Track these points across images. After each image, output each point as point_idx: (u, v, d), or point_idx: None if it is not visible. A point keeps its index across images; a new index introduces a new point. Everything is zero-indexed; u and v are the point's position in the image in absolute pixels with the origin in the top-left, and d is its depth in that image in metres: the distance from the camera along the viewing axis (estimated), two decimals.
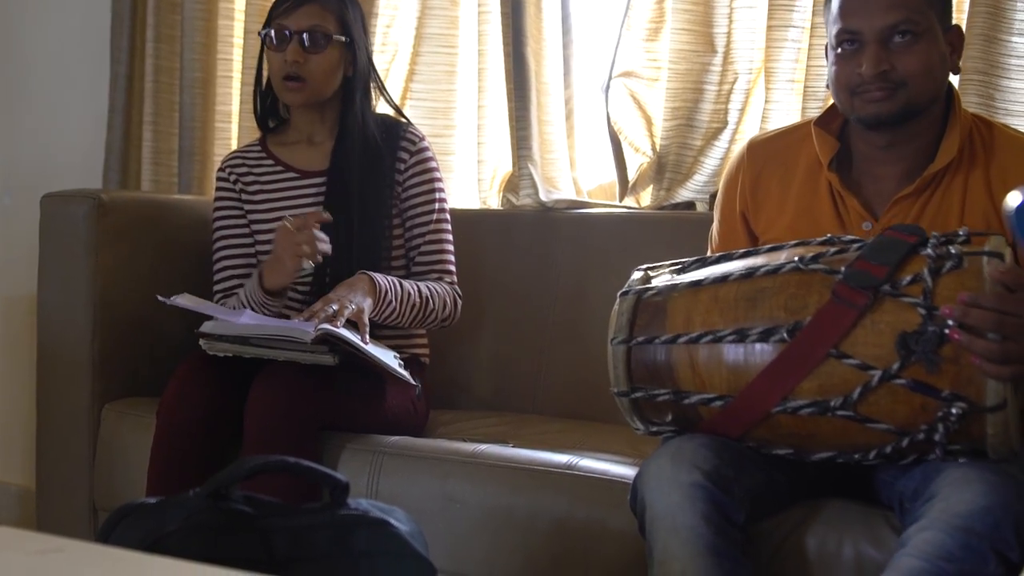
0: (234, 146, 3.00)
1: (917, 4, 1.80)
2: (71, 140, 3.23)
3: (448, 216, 2.46)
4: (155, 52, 3.05)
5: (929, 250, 1.62)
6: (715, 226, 2.08)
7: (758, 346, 1.64)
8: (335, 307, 2.14)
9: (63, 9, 3.24)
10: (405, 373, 2.19)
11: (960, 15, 2.35)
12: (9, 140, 3.28)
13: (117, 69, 3.09)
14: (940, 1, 1.83)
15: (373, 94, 2.49)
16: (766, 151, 2.01)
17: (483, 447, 2.12)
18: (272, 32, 2.39)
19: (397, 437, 2.18)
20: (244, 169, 2.49)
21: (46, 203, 2.55)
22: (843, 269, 1.63)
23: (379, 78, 2.53)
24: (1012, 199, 1.47)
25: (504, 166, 2.83)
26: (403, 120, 2.52)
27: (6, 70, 3.28)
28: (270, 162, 2.49)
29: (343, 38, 2.39)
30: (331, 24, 2.38)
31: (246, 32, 2.99)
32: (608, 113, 2.67)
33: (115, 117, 3.09)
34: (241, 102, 3.00)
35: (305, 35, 2.36)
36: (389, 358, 2.20)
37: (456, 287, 2.43)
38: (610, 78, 2.66)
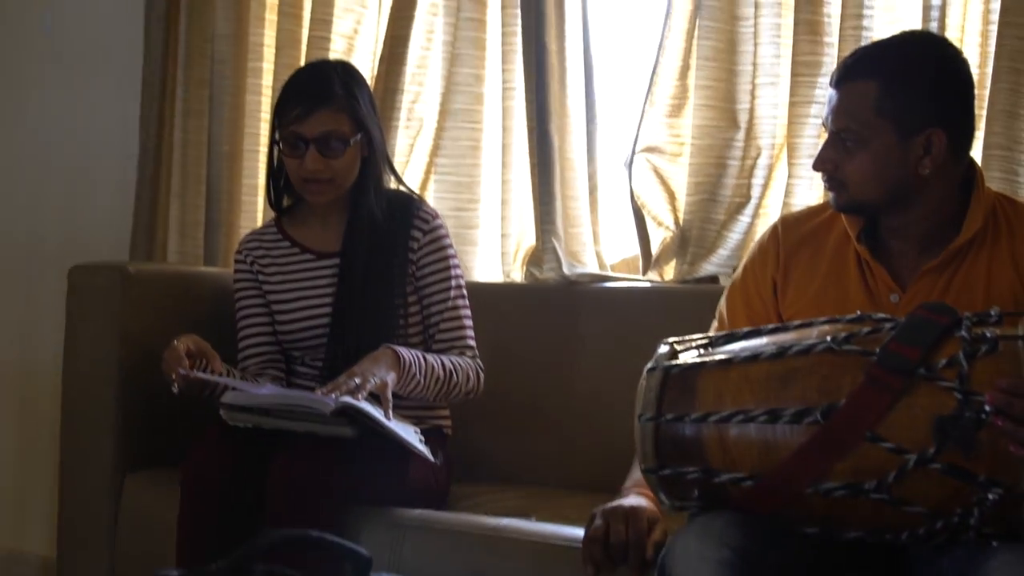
0: (259, 219, 3.02)
1: (863, 116, 1.84)
2: (99, 211, 3.26)
3: (465, 292, 2.47)
4: (183, 125, 3.09)
5: (964, 332, 1.61)
6: (727, 301, 2.06)
7: (791, 427, 1.63)
8: (358, 380, 2.15)
9: (93, 81, 3.29)
10: (424, 449, 2.19)
11: (982, 91, 2.37)
12: (37, 211, 3.32)
13: (146, 142, 3.12)
14: (903, 108, 1.82)
15: (384, 169, 2.50)
16: (798, 227, 2.03)
17: (506, 521, 2.10)
18: (286, 140, 2.37)
19: (419, 511, 2.17)
20: (261, 251, 2.51)
21: (74, 274, 2.58)
22: (877, 351, 1.62)
23: (389, 160, 2.53)
24: None
25: (528, 240, 2.84)
26: (415, 197, 2.53)
27: (36, 141, 3.32)
28: (286, 244, 2.51)
29: (359, 135, 2.39)
30: (346, 126, 2.37)
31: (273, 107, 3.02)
32: (631, 188, 2.69)
33: (143, 188, 3.12)
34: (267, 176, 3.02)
35: (322, 143, 2.35)
36: (409, 434, 2.20)
37: (478, 360, 2.44)
38: (633, 153, 2.68)
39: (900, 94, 1.83)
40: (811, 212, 2.08)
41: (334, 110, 2.36)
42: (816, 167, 1.91)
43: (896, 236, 1.91)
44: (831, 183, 1.90)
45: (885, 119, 1.83)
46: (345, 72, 2.42)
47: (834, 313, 1.77)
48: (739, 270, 2.08)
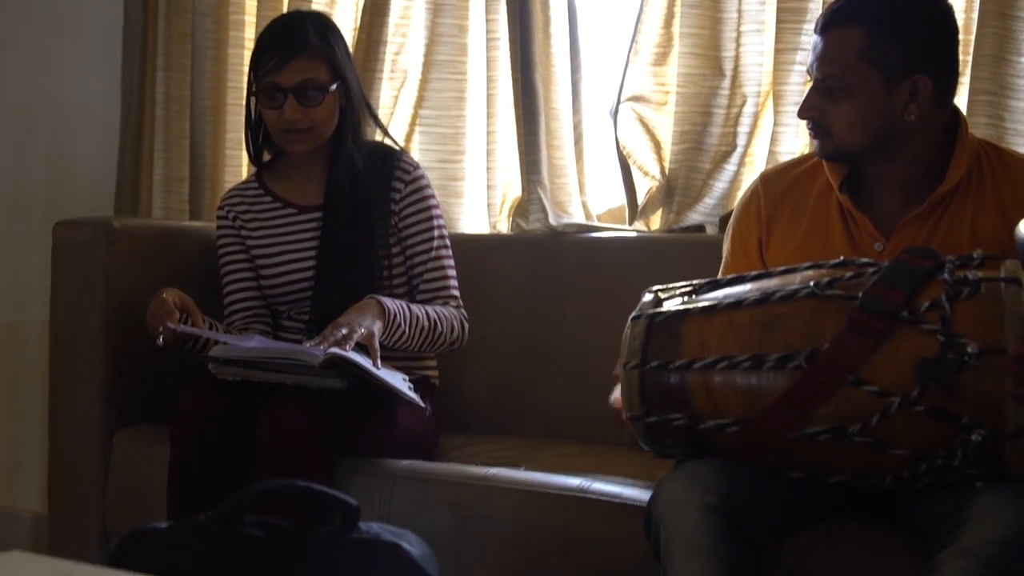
0: (244, 173, 3.01)
1: (847, 62, 1.83)
2: (82, 168, 3.24)
3: (448, 242, 2.47)
4: (166, 81, 3.06)
5: (946, 275, 1.62)
6: (725, 262, 2.07)
7: (775, 373, 1.64)
8: (344, 331, 2.15)
9: (74, 38, 3.26)
10: (414, 396, 2.20)
11: (968, 36, 2.36)
12: (21, 168, 3.30)
13: (128, 98, 3.10)
14: (889, 54, 1.82)
15: (364, 120, 2.49)
16: (779, 182, 2.03)
17: (494, 470, 2.11)
18: (264, 91, 2.36)
19: (408, 461, 2.18)
20: (243, 207, 2.50)
21: (58, 231, 2.56)
22: (860, 295, 1.63)
23: (369, 105, 2.52)
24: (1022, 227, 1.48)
25: (514, 191, 2.83)
26: (396, 148, 2.52)
27: (18, 99, 3.29)
28: (268, 199, 2.50)
29: (337, 83, 2.38)
30: (323, 74, 2.35)
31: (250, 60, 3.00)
32: (617, 137, 2.68)
33: (126, 145, 3.10)
34: None
35: (300, 92, 2.33)
36: (398, 381, 2.20)
37: (463, 310, 2.44)
38: (618, 102, 2.67)
39: (886, 40, 1.82)
40: (792, 163, 2.08)
41: (310, 58, 2.34)
42: (801, 115, 1.91)
43: (880, 184, 1.91)
44: (816, 131, 1.90)
45: (871, 65, 1.82)
46: (319, 21, 2.41)
47: None
48: (727, 239, 2.08)
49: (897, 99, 1.83)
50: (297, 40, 2.34)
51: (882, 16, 1.84)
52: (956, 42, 1.89)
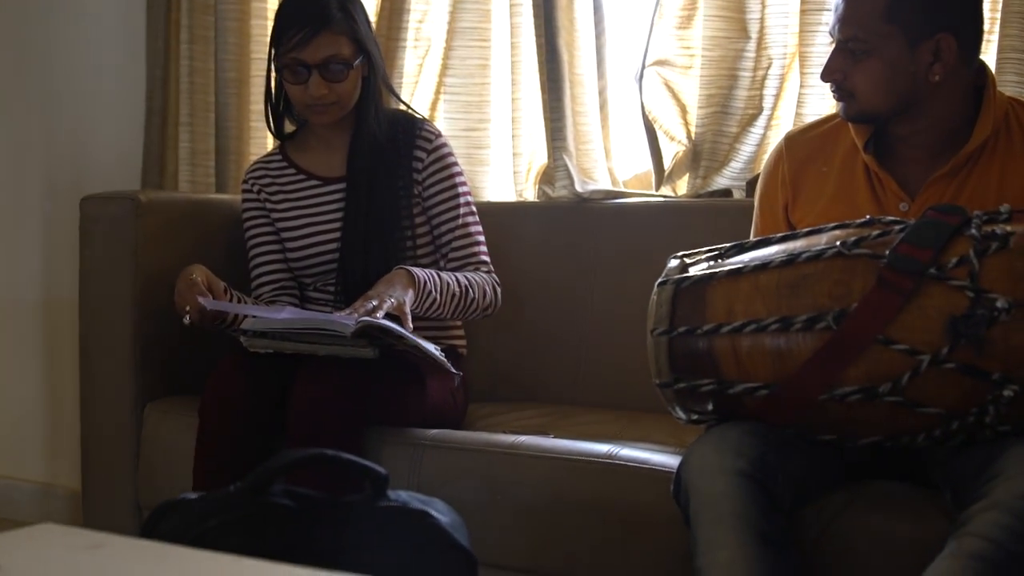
0: (269, 145, 3.01)
1: (870, 22, 1.81)
2: (108, 143, 3.25)
3: (474, 208, 2.46)
4: (189, 53, 3.06)
5: (973, 231, 1.60)
6: (755, 227, 2.06)
7: (803, 335, 1.63)
8: (375, 303, 2.15)
9: (98, 13, 3.27)
10: (446, 362, 2.19)
11: None
12: (47, 145, 3.31)
13: (153, 71, 3.10)
14: (912, 13, 1.80)
15: (385, 91, 2.48)
16: (803, 142, 2.01)
17: (523, 438, 2.11)
18: (288, 67, 2.35)
19: (437, 430, 2.18)
20: (268, 180, 2.50)
21: (85, 205, 2.57)
22: (887, 253, 1.61)
23: (386, 77, 2.50)
24: None
25: (539, 158, 2.82)
26: (417, 116, 2.51)
27: (43, 76, 3.30)
28: (292, 171, 2.50)
29: (360, 57, 2.37)
30: (346, 48, 2.34)
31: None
32: (642, 102, 2.66)
33: (152, 119, 3.11)
34: None
35: (324, 68, 2.33)
36: (431, 348, 2.20)
37: (494, 275, 2.43)
38: (643, 67, 2.65)
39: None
40: (817, 122, 2.07)
41: (334, 33, 2.33)
42: (824, 77, 1.89)
43: (906, 144, 1.90)
44: (839, 93, 1.88)
45: (894, 25, 1.80)
46: None
47: None
48: (756, 203, 2.07)
49: (921, 59, 1.81)
50: (321, 15, 2.32)
51: None
52: (981, 0, 1.86)
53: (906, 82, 1.82)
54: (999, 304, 1.53)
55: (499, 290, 2.42)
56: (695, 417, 1.79)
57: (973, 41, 1.85)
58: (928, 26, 1.80)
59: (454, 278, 2.33)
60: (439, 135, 2.46)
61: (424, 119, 2.51)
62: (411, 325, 2.16)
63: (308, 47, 2.32)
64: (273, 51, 2.39)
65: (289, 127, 2.54)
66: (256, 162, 2.59)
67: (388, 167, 2.40)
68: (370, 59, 2.39)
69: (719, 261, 1.77)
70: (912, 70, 1.82)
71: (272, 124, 2.50)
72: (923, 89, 1.83)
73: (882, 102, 1.84)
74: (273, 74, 2.43)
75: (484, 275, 2.41)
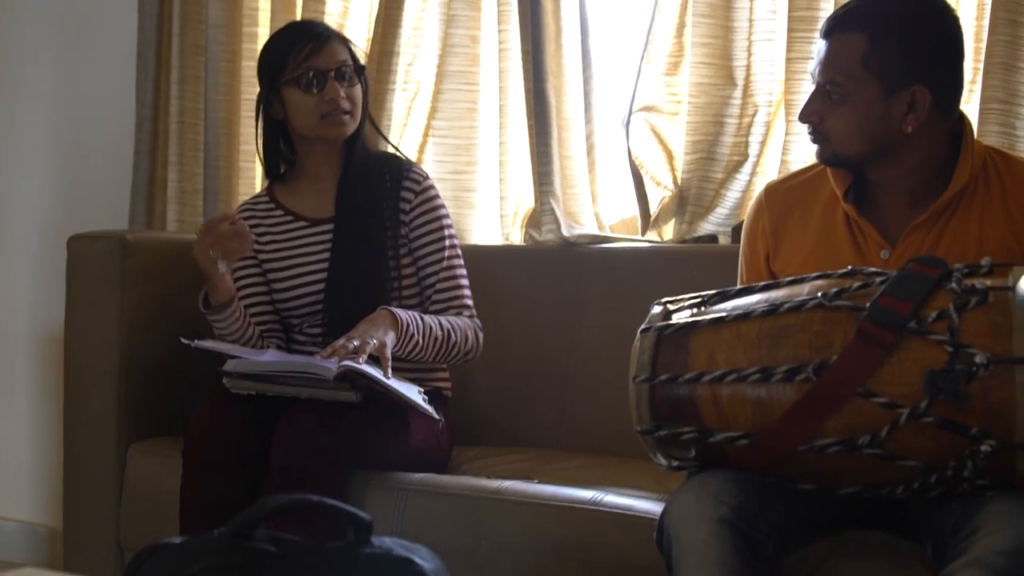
0: (258, 185, 3.02)
1: (848, 68, 1.84)
2: (97, 181, 3.26)
3: (459, 252, 2.48)
4: (180, 93, 3.08)
5: (954, 284, 1.61)
6: (740, 277, 2.07)
7: (783, 385, 1.64)
8: (356, 343, 2.15)
9: (88, 50, 3.28)
10: (428, 407, 2.20)
11: (979, 44, 2.36)
12: (37, 182, 3.32)
13: (142, 111, 3.11)
14: (889, 63, 1.82)
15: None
16: (783, 192, 2.03)
17: (508, 483, 2.11)
18: (302, 77, 2.39)
19: (422, 474, 2.18)
20: (255, 221, 2.51)
21: (72, 244, 2.58)
22: (868, 306, 1.62)
23: (371, 116, 2.55)
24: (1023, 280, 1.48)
25: (526, 202, 2.83)
26: (404, 158, 2.53)
27: (33, 114, 3.32)
28: (279, 212, 2.51)
29: (362, 66, 2.46)
30: (350, 57, 2.44)
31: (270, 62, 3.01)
32: (629, 148, 2.68)
33: (141, 158, 3.12)
34: None
35: (339, 72, 2.40)
36: (413, 392, 2.20)
37: (476, 320, 2.44)
38: (630, 113, 2.67)
39: (887, 48, 1.82)
40: (797, 173, 2.09)
41: (339, 43, 2.44)
42: (802, 119, 1.92)
43: (884, 191, 1.92)
44: (815, 136, 1.91)
45: (870, 73, 1.83)
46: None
47: None
48: (740, 254, 2.08)
49: (895, 109, 1.83)
50: (326, 29, 2.46)
51: (886, 24, 1.84)
52: (960, 55, 1.88)
53: (880, 130, 1.85)
54: (978, 359, 1.54)
55: (481, 336, 2.43)
56: (676, 464, 1.79)
57: (949, 94, 1.87)
58: (904, 77, 1.82)
59: (437, 322, 2.33)
60: (427, 177, 2.48)
61: (412, 162, 2.53)
62: (390, 368, 2.16)
63: (322, 54, 2.39)
64: (273, 75, 2.41)
65: (282, 169, 2.55)
66: (243, 204, 2.60)
67: (376, 208, 2.41)
68: (365, 83, 2.45)
69: (702, 309, 1.78)
70: (885, 118, 1.84)
71: (265, 162, 2.51)
72: (896, 138, 1.85)
73: (855, 147, 1.87)
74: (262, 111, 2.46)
75: (467, 319, 2.41)
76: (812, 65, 1.91)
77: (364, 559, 1.56)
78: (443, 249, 2.44)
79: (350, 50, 2.45)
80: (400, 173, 2.46)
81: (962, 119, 1.91)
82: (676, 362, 1.73)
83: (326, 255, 2.43)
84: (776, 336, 1.66)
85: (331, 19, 2.92)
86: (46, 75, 3.30)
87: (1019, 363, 1.53)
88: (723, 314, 1.72)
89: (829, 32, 1.88)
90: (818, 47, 1.90)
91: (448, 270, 2.44)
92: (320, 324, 2.42)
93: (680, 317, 1.77)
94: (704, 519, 1.62)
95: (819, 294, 1.66)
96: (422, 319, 2.31)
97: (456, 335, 2.36)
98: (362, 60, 2.52)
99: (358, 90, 2.43)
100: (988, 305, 1.58)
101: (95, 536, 2.50)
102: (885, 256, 1.87)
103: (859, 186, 1.94)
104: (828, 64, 1.86)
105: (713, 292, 1.82)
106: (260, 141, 2.50)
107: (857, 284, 1.67)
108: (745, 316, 1.70)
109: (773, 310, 1.68)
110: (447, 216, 2.48)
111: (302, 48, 2.38)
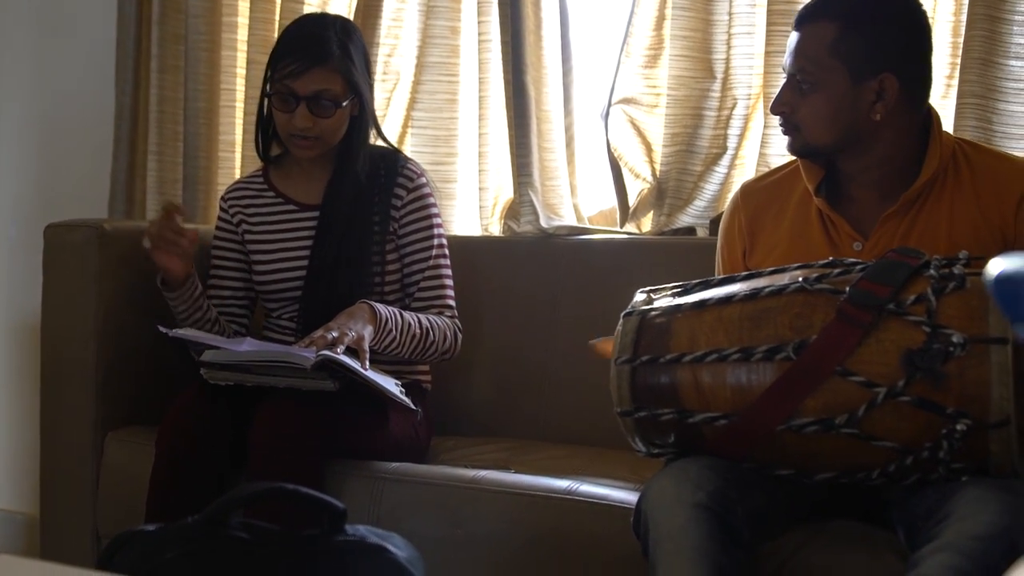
0: (238, 175, 3.01)
1: (816, 56, 1.87)
2: (76, 170, 3.25)
3: (447, 251, 2.47)
4: (159, 83, 3.07)
5: (932, 271, 1.64)
6: (717, 274, 2.09)
7: (763, 365, 1.65)
8: (335, 334, 2.15)
9: (68, 40, 3.27)
10: (406, 399, 2.20)
11: (957, 39, 2.37)
12: (15, 170, 3.30)
13: (122, 100, 3.10)
14: (857, 51, 1.85)
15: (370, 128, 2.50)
16: (758, 191, 2.06)
17: (484, 473, 2.12)
18: (278, 94, 2.36)
19: (398, 463, 2.19)
20: (247, 201, 2.51)
21: (49, 233, 2.57)
22: (848, 289, 1.64)
23: (376, 119, 2.52)
24: (992, 267, 1.49)
25: (505, 193, 2.84)
26: (400, 154, 2.53)
27: (12, 102, 3.30)
28: (271, 194, 2.51)
29: (351, 97, 2.38)
30: (338, 86, 2.35)
31: (249, 62, 3.00)
32: (608, 139, 2.68)
33: (120, 147, 3.11)
34: (244, 131, 3.01)
35: (313, 101, 2.34)
36: (390, 384, 2.21)
37: (457, 321, 2.44)
38: (610, 105, 2.68)
39: (856, 36, 1.85)
40: (772, 171, 2.12)
41: (329, 70, 2.34)
42: (773, 110, 1.94)
43: (854, 183, 1.94)
44: (786, 126, 1.94)
45: (839, 61, 1.85)
46: (343, 31, 2.39)
47: None
48: (717, 252, 2.10)
49: (863, 97, 1.86)
50: (318, 50, 2.34)
51: (855, 13, 1.87)
52: (928, 46, 1.92)
53: (849, 118, 1.87)
54: (954, 339, 1.56)
55: (460, 336, 2.43)
56: (655, 451, 1.80)
57: (917, 85, 1.90)
58: (871, 65, 1.85)
59: (416, 319, 2.34)
60: (421, 175, 2.47)
61: (408, 158, 2.52)
62: (367, 360, 2.16)
63: (300, 79, 2.33)
64: (268, 73, 2.40)
65: (276, 149, 2.54)
66: (237, 181, 2.60)
67: (365, 201, 2.41)
68: (361, 100, 2.40)
69: (685, 295, 1.79)
70: (854, 107, 1.86)
71: (259, 144, 2.50)
72: (866, 126, 1.87)
73: (825, 137, 1.89)
74: (265, 98, 2.45)
75: (447, 320, 2.42)
76: (785, 57, 1.93)
77: (337, 547, 1.57)
78: (431, 248, 2.44)
79: (347, 71, 2.35)
80: (395, 169, 2.45)
81: (930, 112, 1.93)
82: (658, 344, 1.74)
83: (310, 241, 2.43)
84: (757, 318, 1.68)
85: (311, 9, 2.91)
86: (25, 62, 3.28)
87: (995, 343, 1.56)
88: (706, 298, 1.74)
89: (800, 23, 1.91)
90: (790, 37, 1.92)
91: (433, 269, 2.44)
92: (296, 311, 2.41)
93: (663, 303, 1.79)
94: (682, 504, 1.63)
95: (801, 278, 1.69)
96: (401, 315, 2.31)
97: (434, 334, 2.36)
98: (369, 66, 2.47)
99: (335, 120, 2.36)
100: (965, 290, 1.61)
101: (72, 524, 2.49)
102: (858, 248, 1.89)
103: (831, 180, 1.96)
104: (798, 53, 1.89)
105: (696, 281, 1.84)
106: (257, 123, 2.49)
107: (838, 271, 1.70)
108: (727, 300, 1.72)
109: (755, 294, 1.71)
110: (437, 215, 2.48)
111: (287, 65, 2.33)
